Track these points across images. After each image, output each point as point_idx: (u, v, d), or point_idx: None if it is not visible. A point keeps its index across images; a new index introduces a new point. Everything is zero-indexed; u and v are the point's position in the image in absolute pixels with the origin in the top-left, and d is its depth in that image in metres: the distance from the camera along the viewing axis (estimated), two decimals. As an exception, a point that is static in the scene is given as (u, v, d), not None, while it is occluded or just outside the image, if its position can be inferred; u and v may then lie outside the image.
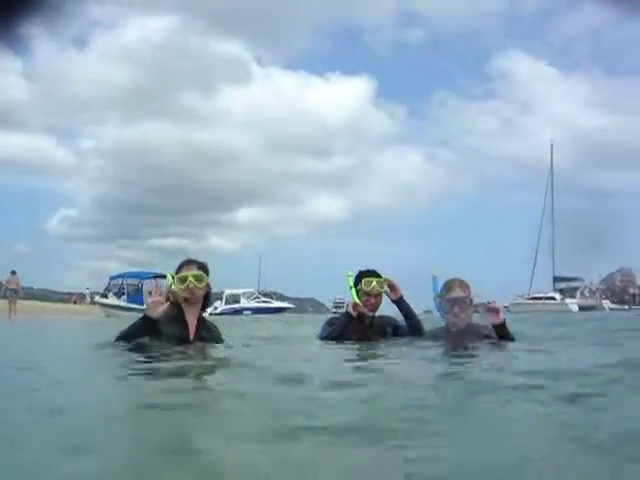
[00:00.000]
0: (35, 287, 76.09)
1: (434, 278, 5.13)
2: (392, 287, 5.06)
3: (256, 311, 37.73)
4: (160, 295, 4.22)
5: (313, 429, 1.73)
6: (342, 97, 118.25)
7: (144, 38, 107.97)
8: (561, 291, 55.51)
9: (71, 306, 42.17)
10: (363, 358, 4.18)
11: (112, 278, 31.58)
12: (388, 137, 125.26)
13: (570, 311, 44.64)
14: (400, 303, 5.04)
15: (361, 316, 5.02)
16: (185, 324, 4.33)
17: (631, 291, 71.86)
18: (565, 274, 57.11)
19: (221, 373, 3.30)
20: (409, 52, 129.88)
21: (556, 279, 57.11)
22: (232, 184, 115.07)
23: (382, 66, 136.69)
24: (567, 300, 52.56)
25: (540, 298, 53.00)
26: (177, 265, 4.47)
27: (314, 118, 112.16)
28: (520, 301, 52.44)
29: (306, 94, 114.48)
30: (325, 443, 1.61)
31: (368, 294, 5.03)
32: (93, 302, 37.11)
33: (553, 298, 53.36)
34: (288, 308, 39.99)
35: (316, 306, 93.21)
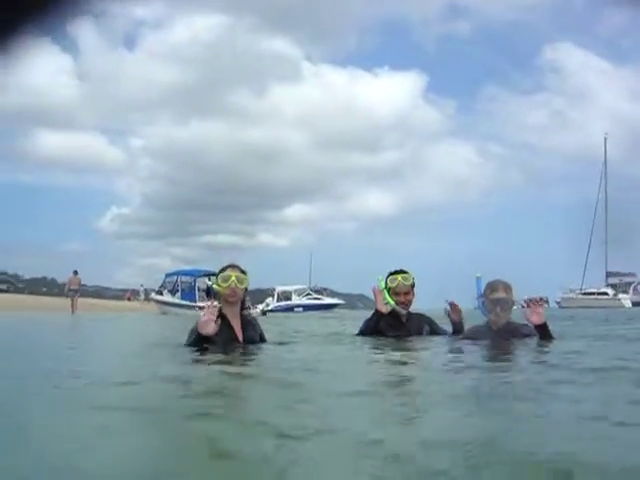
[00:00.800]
0: (88, 284, 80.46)
1: (477, 279, 5.42)
2: (455, 308, 5.30)
3: (307, 308, 38.34)
4: (213, 314, 4.27)
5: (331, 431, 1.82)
6: (391, 92, 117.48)
7: (193, 37, 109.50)
8: (614, 286, 54.42)
9: (126, 303, 42.91)
10: (400, 352, 4.56)
11: (167, 275, 32.25)
12: (438, 132, 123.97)
13: (623, 307, 44.08)
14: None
15: (396, 315, 5.29)
16: (231, 327, 4.53)
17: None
18: (618, 269, 56.12)
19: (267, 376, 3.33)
20: (457, 46, 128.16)
21: (609, 274, 56.17)
22: (282, 181, 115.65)
23: (430, 60, 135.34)
24: (620, 295, 51.57)
25: (592, 293, 52.16)
26: (222, 266, 4.76)
27: (364, 114, 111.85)
28: (572, 296, 51.99)
29: (355, 90, 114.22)
30: (346, 444, 1.69)
31: (397, 292, 5.30)
32: (147, 299, 37.94)
33: (606, 293, 52.45)
34: (339, 304, 40.46)
35: (366, 302, 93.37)
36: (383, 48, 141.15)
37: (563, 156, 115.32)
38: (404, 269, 5.47)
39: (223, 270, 4.71)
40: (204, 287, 28.39)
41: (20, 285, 71.60)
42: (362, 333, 5.48)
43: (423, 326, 5.44)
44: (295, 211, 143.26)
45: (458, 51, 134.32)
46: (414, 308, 5.63)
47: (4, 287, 56.98)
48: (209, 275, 30.56)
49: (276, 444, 1.67)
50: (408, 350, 4.82)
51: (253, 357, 4.25)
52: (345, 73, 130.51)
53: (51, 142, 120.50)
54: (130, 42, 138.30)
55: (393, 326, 5.31)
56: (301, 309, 38.46)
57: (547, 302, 59.24)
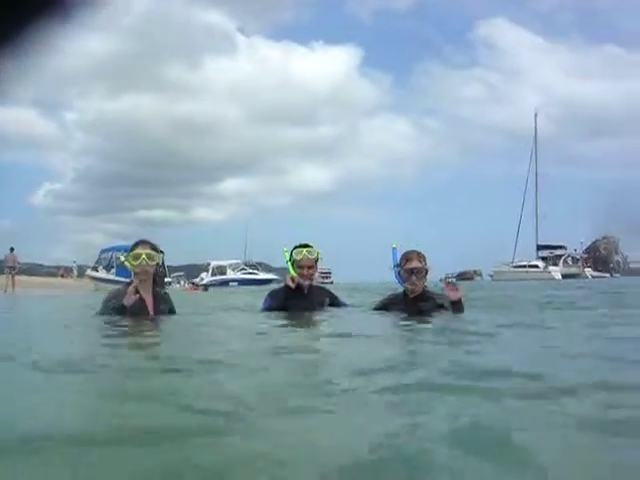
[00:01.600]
0: (21, 261, 77.49)
1: (393, 249, 5.48)
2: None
3: (242, 282, 38.28)
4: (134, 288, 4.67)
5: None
6: (327, 66, 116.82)
7: (126, 7, 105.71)
8: (544, 259, 56.32)
9: (59, 280, 42.13)
10: (307, 326, 4.76)
11: (103, 251, 31.76)
12: (374, 106, 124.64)
13: (553, 279, 45.46)
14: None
15: (299, 287, 5.35)
16: (143, 300, 4.75)
17: (615, 258, 73.11)
18: (548, 242, 57.92)
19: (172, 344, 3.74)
20: (394, 20, 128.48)
21: (539, 247, 58.02)
22: (217, 155, 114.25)
23: (367, 34, 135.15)
24: (550, 268, 53.43)
25: (523, 266, 53.82)
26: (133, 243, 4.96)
27: (299, 88, 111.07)
28: (503, 269, 53.60)
29: (290, 64, 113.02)
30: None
31: (300, 265, 5.36)
32: (80, 275, 37.45)
33: (536, 266, 54.23)
34: (274, 279, 40.69)
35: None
36: (318, 21, 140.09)
37: (497, 130, 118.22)
38: (309, 244, 5.55)
39: (134, 247, 4.84)
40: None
41: None
42: (268, 309, 5.53)
43: (324, 299, 5.59)
44: (230, 185, 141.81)
45: (394, 25, 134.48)
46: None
47: None
48: None
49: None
50: (309, 320, 5.01)
51: (151, 325, 4.62)
52: (280, 47, 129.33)
53: None
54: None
55: (296, 298, 5.38)
56: (236, 283, 38.44)
57: (480, 275, 61.03)
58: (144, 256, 4.75)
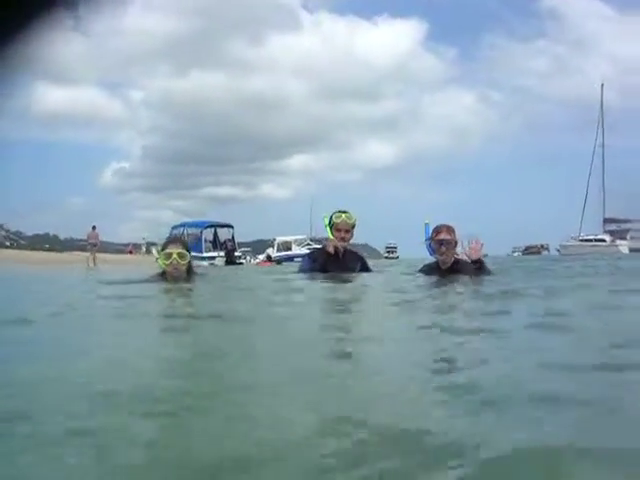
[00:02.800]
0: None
1: (426, 225, 5.72)
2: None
3: None
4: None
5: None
6: (391, 40, 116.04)
7: None
8: (611, 233, 56.12)
9: (127, 256, 42.05)
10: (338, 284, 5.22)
11: (173, 228, 32.90)
12: (438, 80, 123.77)
13: (620, 253, 45.58)
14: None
15: (336, 252, 5.69)
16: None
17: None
18: (615, 216, 57.82)
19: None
20: None
21: (606, 221, 58.00)
22: (282, 132, 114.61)
23: (431, 8, 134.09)
24: (617, 242, 53.17)
25: (590, 240, 53.79)
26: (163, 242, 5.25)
27: (363, 62, 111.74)
28: (569, 243, 54.19)
29: (355, 38, 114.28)
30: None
31: (338, 229, 5.70)
32: (148, 252, 37.90)
33: (603, 240, 54.05)
34: None
35: (369, 251, 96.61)
36: None
37: (562, 103, 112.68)
38: (347, 210, 5.85)
39: (165, 246, 4.98)
40: (210, 238, 33.23)
41: (22, 242, 70.76)
42: (305, 270, 5.89)
43: (357, 264, 5.94)
44: (296, 161, 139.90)
45: None
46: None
47: (7, 244, 58.24)
48: (215, 226, 34.76)
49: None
50: (344, 282, 5.35)
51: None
52: (344, 21, 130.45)
53: (52, 97, 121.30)
54: None
55: (332, 261, 5.72)
56: (301, 259, 43.09)
57: (547, 249, 61.90)
58: (175, 255, 4.81)
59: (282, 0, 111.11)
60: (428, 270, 5.62)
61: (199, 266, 18.79)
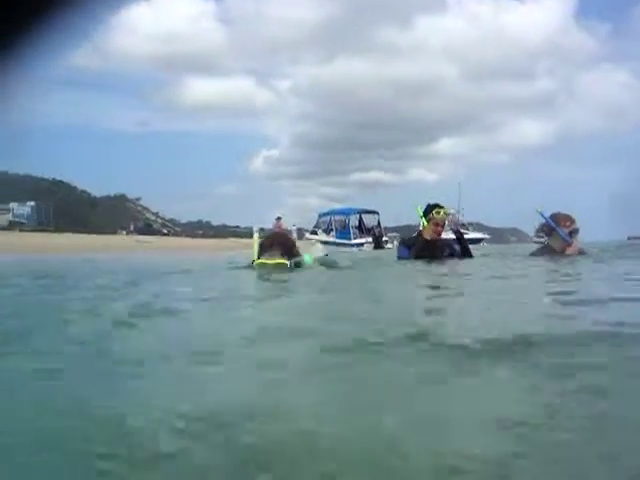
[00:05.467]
0: (242, 225, 79.92)
1: (540, 213, 6.20)
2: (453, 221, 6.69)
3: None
4: None
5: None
6: (539, 17, 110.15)
7: None
8: None
9: None
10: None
11: (321, 215, 34.50)
12: (591, 57, 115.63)
13: None
14: (457, 233, 6.77)
15: (433, 240, 6.44)
16: None
17: None
18: None
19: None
20: None
21: None
22: (431, 115, 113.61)
23: None
24: None
25: None
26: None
27: (512, 42, 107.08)
28: None
29: (502, 18, 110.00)
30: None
31: (437, 223, 6.42)
32: (300, 238, 37.15)
33: None
34: (484, 238, 41.97)
35: (518, 235, 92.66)
36: None
37: None
38: (439, 204, 6.57)
39: (260, 253, 4.65)
40: (355, 224, 33.56)
41: (177, 229, 76.15)
42: (405, 257, 6.52)
43: (447, 250, 6.56)
44: (445, 145, 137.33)
45: None
46: None
47: (165, 231, 61.50)
48: (361, 213, 35.11)
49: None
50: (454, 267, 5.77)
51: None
52: (489, 1, 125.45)
53: (201, 88, 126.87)
54: None
55: (427, 249, 6.41)
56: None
57: None
58: (271, 268, 4.50)
59: None
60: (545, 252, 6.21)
61: (347, 252, 19.61)
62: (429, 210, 6.49)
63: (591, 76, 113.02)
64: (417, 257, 6.37)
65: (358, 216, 34.88)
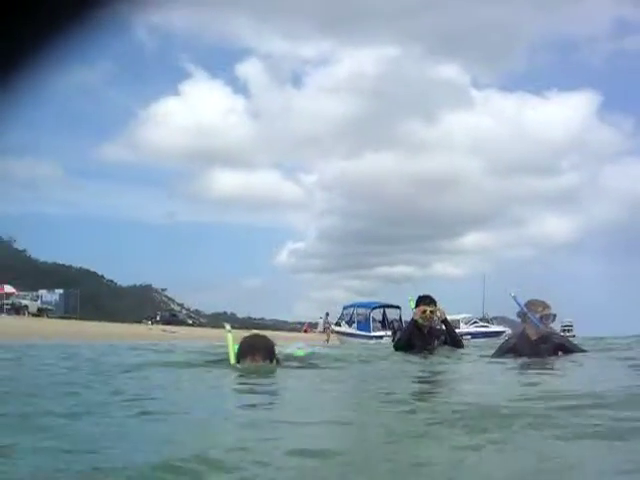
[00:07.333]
0: (267, 318, 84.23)
1: (514, 297, 6.16)
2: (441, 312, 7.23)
3: (475, 335, 43.87)
4: None
5: None
6: (564, 114, 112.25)
7: (360, 70, 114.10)
8: None
9: (304, 334, 43.65)
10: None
11: (345, 308, 36.81)
12: (616, 151, 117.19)
13: None
14: (445, 322, 7.36)
15: (424, 327, 7.09)
16: None
17: None
18: None
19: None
20: (629, 61, 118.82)
21: None
22: (458, 210, 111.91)
23: (602, 78, 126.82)
24: None
25: None
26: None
27: (537, 137, 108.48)
28: None
29: (526, 113, 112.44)
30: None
31: (424, 310, 7.03)
32: (324, 330, 39.91)
33: None
34: (504, 331, 40.38)
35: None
36: (550, 69, 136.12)
37: None
38: (431, 296, 7.24)
39: (239, 356, 4.37)
40: (379, 318, 35.35)
41: (202, 320, 77.46)
42: (399, 341, 7.50)
43: (439, 339, 7.20)
44: (471, 239, 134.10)
45: (630, 66, 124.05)
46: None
47: (190, 322, 62.26)
48: (384, 307, 36.75)
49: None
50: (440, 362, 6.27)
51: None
52: (514, 97, 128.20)
53: (228, 181, 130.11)
54: (297, 80, 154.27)
55: (419, 337, 7.09)
56: (469, 337, 43.99)
57: None
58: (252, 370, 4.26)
59: (451, 78, 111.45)
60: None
61: (366, 344, 20.54)
62: (419, 302, 7.13)
63: (615, 170, 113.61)
64: (408, 344, 7.04)
65: (382, 310, 36.24)
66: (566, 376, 4.97)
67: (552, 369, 5.18)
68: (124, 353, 8.12)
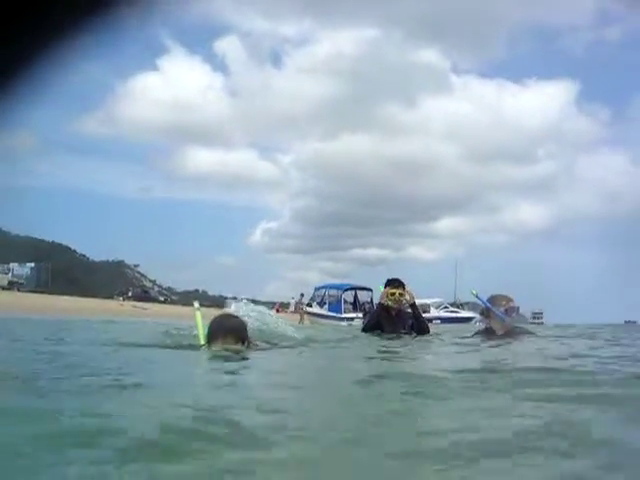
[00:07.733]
0: (239, 296, 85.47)
1: (476, 295, 6.34)
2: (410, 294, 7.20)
3: (445, 320, 44.50)
4: None
5: None
6: (542, 102, 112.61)
7: (339, 51, 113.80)
8: None
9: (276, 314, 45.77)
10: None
11: (316, 289, 37.54)
12: (593, 141, 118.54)
13: None
14: (412, 307, 7.25)
15: (390, 310, 7.13)
16: None
17: None
18: None
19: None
20: (608, 50, 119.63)
21: None
22: (431, 194, 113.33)
23: (581, 67, 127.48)
24: None
25: None
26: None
27: (514, 125, 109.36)
28: None
29: (505, 101, 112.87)
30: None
31: (393, 293, 7.06)
32: (296, 311, 40.48)
33: None
34: (474, 317, 43.50)
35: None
36: (530, 57, 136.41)
37: None
38: (399, 279, 7.26)
39: (210, 339, 4.12)
40: (350, 300, 35.69)
41: (174, 297, 77.76)
42: (367, 324, 7.53)
43: (408, 320, 7.20)
44: (445, 224, 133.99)
45: (609, 56, 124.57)
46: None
47: (162, 299, 62.93)
48: (355, 289, 37.10)
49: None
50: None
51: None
52: (493, 84, 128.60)
53: (204, 158, 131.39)
54: (276, 59, 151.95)
55: (388, 320, 7.13)
56: (439, 321, 44.63)
57: None
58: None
59: (431, 63, 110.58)
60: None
61: (337, 325, 21.26)
62: (387, 285, 7.13)
63: (590, 160, 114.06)
64: (376, 326, 7.06)
65: (354, 292, 36.53)
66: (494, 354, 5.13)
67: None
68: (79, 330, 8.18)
